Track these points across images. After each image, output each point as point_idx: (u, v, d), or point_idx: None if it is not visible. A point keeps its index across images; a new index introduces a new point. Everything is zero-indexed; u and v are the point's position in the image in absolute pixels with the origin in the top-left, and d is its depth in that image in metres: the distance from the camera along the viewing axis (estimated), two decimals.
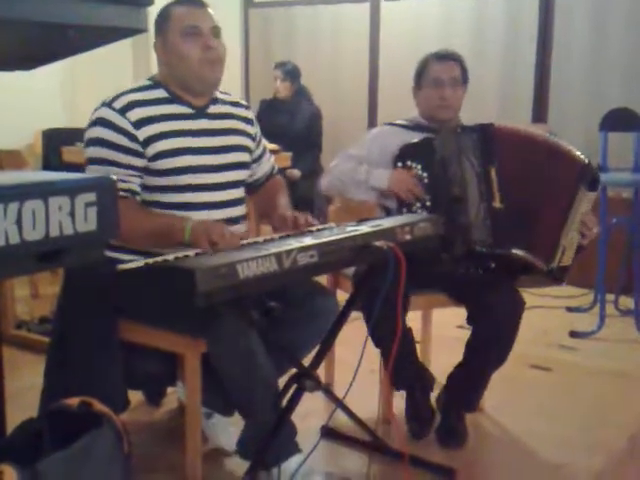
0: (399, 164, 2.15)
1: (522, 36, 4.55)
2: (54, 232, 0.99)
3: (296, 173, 4.30)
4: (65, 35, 1.06)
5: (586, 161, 2.11)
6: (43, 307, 3.24)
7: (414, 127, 2.27)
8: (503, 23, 4.61)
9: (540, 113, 4.55)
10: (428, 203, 2.11)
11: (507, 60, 4.60)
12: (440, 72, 2.22)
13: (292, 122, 4.48)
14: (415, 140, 2.16)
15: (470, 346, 2.14)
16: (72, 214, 1.01)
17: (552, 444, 2.18)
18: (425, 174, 2.11)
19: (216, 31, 1.86)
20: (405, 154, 2.15)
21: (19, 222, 0.96)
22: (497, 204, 2.08)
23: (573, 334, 3.19)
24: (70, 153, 3.59)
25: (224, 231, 1.68)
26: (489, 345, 2.09)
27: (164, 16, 1.86)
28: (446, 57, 2.25)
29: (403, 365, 2.08)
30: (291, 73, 4.52)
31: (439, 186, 2.10)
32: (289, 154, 4.08)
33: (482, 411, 2.35)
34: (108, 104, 1.82)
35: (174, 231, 1.74)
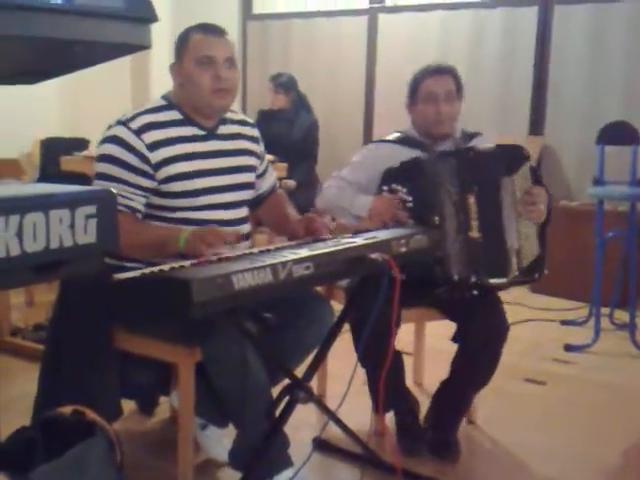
0: (385, 187, 2.12)
1: (520, 48, 4.59)
2: (54, 244, 1.01)
3: (291, 184, 4.32)
4: (70, 51, 1.07)
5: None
6: (38, 314, 3.24)
7: (405, 142, 2.25)
8: (501, 35, 4.65)
9: (537, 126, 4.59)
10: None
11: (504, 73, 4.64)
12: (434, 86, 2.20)
13: (290, 132, 4.50)
14: (399, 164, 2.12)
15: (454, 365, 2.15)
16: (72, 226, 1.02)
17: (545, 458, 2.18)
18: (410, 198, 2.08)
19: (231, 61, 1.89)
20: (390, 177, 2.12)
21: (20, 234, 0.97)
22: (474, 234, 2.07)
23: (568, 348, 3.19)
24: (68, 162, 3.60)
25: (218, 232, 1.73)
26: (471, 367, 2.10)
27: (183, 41, 1.90)
28: (440, 71, 2.22)
29: (389, 389, 2.07)
30: (285, 85, 4.54)
31: (421, 212, 2.07)
32: (285, 164, 4.10)
33: (475, 424, 2.36)
34: (124, 123, 1.85)
35: (169, 242, 1.77)
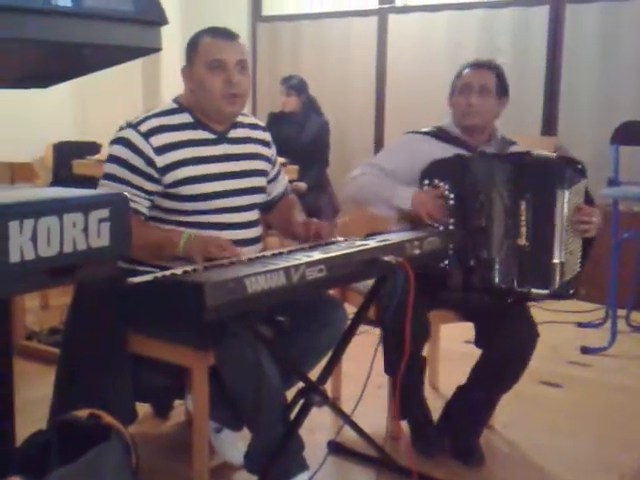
0: (426, 181, 2.08)
1: (531, 48, 4.55)
2: (68, 248, 1.01)
3: (302, 186, 4.31)
4: (80, 54, 1.08)
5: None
6: (53, 318, 3.25)
7: (443, 137, 2.22)
8: (512, 34, 4.61)
9: (550, 126, 4.55)
10: (451, 227, 2.03)
11: (516, 72, 4.59)
12: (470, 78, 2.19)
13: (300, 135, 4.49)
14: (445, 157, 2.09)
15: (476, 372, 2.12)
16: (86, 230, 1.03)
17: (562, 461, 2.15)
18: (452, 195, 2.05)
19: (242, 65, 1.87)
20: (433, 172, 2.08)
21: (34, 238, 0.97)
22: (522, 242, 2.03)
23: (584, 350, 3.16)
24: (80, 166, 3.62)
25: (222, 244, 1.71)
26: (497, 373, 2.06)
27: (193, 45, 1.89)
28: (481, 65, 2.22)
29: (410, 397, 2.05)
30: (296, 87, 4.54)
31: (465, 211, 2.04)
32: (296, 167, 4.10)
33: (491, 428, 2.33)
34: (134, 126, 1.85)
35: (170, 244, 1.78)
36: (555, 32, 4.48)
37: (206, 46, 1.86)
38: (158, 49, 1.18)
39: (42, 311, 3.58)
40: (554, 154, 2.16)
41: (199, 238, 1.76)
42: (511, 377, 2.07)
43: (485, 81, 2.18)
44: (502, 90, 2.22)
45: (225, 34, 1.89)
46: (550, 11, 4.49)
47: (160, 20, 1.15)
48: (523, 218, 2.03)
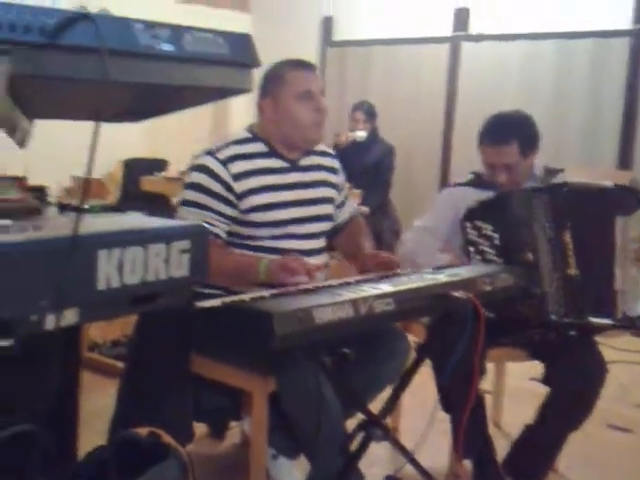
0: (468, 224, 2.08)
1: (609, 79, 4.43)
2: (150, 277, 1.03)
3: (364, 210, 4.29)
4: (178, 94, 1.10)
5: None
6: (115, 330, 3.31)
7: (481, 184, 2.20)
8: (589, 65, 4.50)
9: (626, 159, 4.40)
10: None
11: (592, 104, 4.48)
12: (491, 158, 2.14)
13: (364, 158, 4.48)
14: (481, 201, 2.07)
15: (544, 410, 2.04)
16: (167, 260, 1.04)
17: None
18: (496, 235, 2.04)
19: (323, 92, 1.95)
20: (473, 214, 2.08)
21: (120, 267, 1.00)
22: (572, 271, 1.99)
23: None
24: (148, 182, 3.71)
25: (300, 259, 1.75)
26: (566, 410, 1.99)
27: (277, 78, 1.94)
28: (497, 141, 2.11)
29: (473, 436, 1.98)
30: (370, 112, 4.54)
31: (511, 250, 2.02)
32: (359, 191, 4.08)
33: (556, 471, 2.24)
34: (212, 153, 1.91)
35: (250, 271, 1.80)
36: (635, 64, 4.35)
37: (293, 79, 1.92)
38: (249, 90, 1.21)
39: (105, 323, 3.65)
40: (611, 183, 2.10)
41: (277, 262, 1.78)
42: (580, 413, 2.00)
43: (507, 160, 2.11)
44: (529, 148, 2.13)
45: (308, 66, 1.97)
46: (630, 43, 4.36)
47: (253, 63, 1.17)
48: (570, 247, 2.00)
